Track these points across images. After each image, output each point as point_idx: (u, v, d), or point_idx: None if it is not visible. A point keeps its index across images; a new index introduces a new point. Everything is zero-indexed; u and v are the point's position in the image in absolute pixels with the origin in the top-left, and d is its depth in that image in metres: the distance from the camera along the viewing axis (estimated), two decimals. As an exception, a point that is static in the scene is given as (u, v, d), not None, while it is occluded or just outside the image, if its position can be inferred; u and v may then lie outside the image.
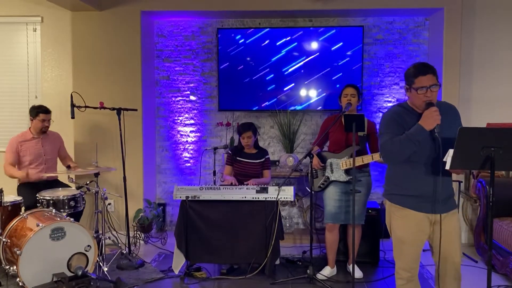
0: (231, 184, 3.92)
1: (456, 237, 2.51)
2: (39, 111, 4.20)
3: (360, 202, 3.60)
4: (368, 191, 3.71)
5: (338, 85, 4.75)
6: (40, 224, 3.22)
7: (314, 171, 3.76)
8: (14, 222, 3.48)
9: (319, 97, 4.86)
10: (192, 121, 5.14)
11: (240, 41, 4.86)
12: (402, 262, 2.55)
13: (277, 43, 4.84)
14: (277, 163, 4.82)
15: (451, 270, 2.51)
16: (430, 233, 2.52)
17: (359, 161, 3.52)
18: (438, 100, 2.50)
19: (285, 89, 4.88)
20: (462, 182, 4.47)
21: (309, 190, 3.66)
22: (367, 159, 3.54)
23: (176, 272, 3.74)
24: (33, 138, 4.24)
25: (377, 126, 4.05)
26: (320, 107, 4.87)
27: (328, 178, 3.71)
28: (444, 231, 2.43)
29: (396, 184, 2.55)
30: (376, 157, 3.51)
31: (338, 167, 3.66)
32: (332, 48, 4.80)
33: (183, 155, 5.17)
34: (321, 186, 3.74)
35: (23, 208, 3.84)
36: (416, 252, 2.54)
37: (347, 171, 3.63)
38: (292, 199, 3.72)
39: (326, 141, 3.93)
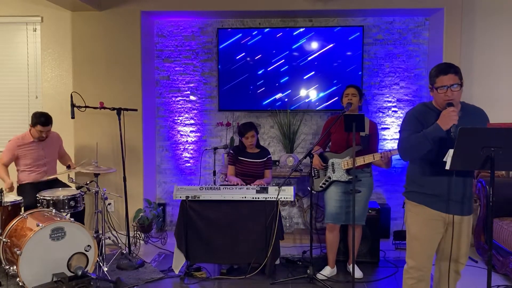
0: (237, 185, 3.90)
1: (466, 241, 2.54)
2: (37, 122, 4.07)
3: (361, 202, 3.60)
4: (370, 191, 3.72)
5: (338, 85, 4.76)
6: (40, 224, 3.22)
7: (315, 171, 3.77)
8: (14, 222, 3.47)
9: (318, 97, 4.86)
10: (192, 121, 5.14)
11: (242, 41, 4.86)
12: (414, 260, 2.57)
13: (278, 42, 4.84)
14: (277, 163, 4.82)
15: (453, 273, 2.55)
16: (443, 233, 2.53)
17: (360, 161, 3.53)
18: (465, 102, 2.52)
19: (283, 93, 4.90)
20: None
21: (311, 190, 3.66)
22: (368, 159, 3.54)
23: (176, 272, 3.74)
24: (33, 142, 4.17)
25: (378, 126, 4.09)
26: (319, 107, 4.87)
27: (329, 178, 3.71)
28: (456, 234, 2.46)
29: (413, 182, 2.60)
30: (377, 157, 3.51)
31: (340, 167, 3.66)
32: (331, 49, 4.79)
33: (183, 155, 5.17)
34: (322, 186, 3.74)
35: (23, 208, 3.83)
36: (429, 250, 2.56)
37: (348, 171, 3.63)
38: (292, 199, 3.72)
39: (328, 142, 3.93)
